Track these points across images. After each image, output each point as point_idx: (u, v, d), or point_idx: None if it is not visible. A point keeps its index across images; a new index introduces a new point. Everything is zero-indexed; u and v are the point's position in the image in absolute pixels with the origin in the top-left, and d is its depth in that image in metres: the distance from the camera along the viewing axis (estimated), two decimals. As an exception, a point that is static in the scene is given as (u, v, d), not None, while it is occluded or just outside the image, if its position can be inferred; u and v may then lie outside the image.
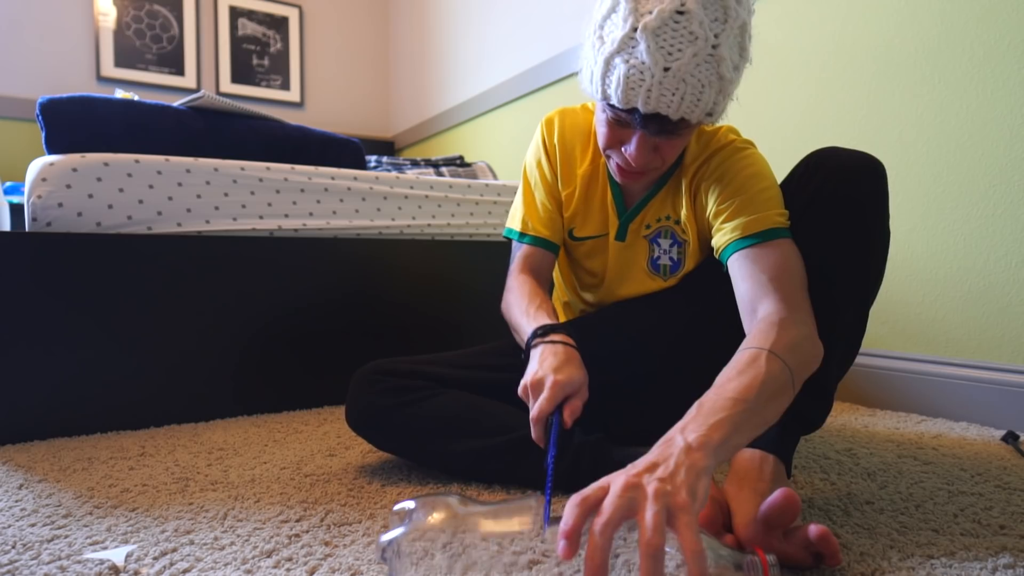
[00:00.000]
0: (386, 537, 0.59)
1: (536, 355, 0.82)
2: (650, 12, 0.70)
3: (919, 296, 1.40)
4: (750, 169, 0.85)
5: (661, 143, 0.80)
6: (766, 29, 1.67)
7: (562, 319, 1.14)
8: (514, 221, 1.04)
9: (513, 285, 0.97)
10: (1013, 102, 1.23)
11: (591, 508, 0.52)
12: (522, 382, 0.80)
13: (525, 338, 0.87)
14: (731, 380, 0.65)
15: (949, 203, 1.34)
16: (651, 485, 0.52)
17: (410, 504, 0.62)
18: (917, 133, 1.38)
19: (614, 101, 0.75)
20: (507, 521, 0.60)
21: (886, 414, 1.38)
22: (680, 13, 0.69)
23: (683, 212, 0.93)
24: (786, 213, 0.82)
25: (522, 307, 0.92)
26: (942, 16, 1.33)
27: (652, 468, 0.54)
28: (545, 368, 0.78)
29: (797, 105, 1.61)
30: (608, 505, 0.51)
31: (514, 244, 1.04)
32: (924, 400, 1.37)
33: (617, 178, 0.88)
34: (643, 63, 0.71)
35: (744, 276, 0.79)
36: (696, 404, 0.63)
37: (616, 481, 0.53)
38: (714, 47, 0.71)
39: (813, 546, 0.62)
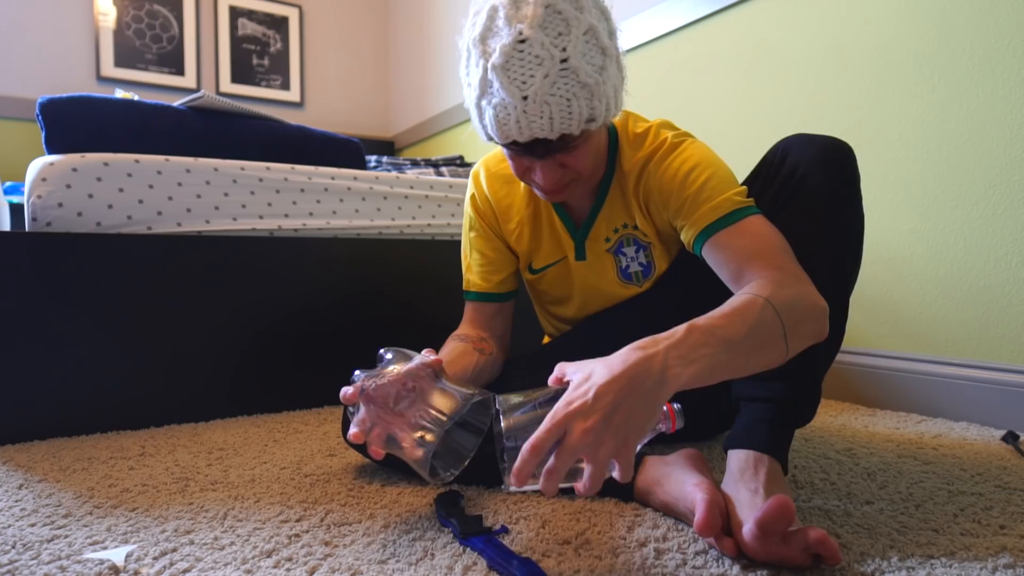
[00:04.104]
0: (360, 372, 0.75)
1: None
2: (494, 51, 0.74)
3: (919, 296, 1.40)
4: (688, 164, 0.86)
5: (563, 158, 0.81)
6: (766, 29, 1.67)
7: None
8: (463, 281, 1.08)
9: (446, 345, 1.00)
10: (1013, 102, 1.23)
11: (542, 455, 0.59)
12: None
13: None
14: (725, 316, 0.67)
15: (949, 203, 1.34)
16: (602, 448, 0.58)
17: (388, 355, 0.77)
18: (917, 133, 1.38)
19: (496, 140, 0.79)
20: (446, 400, 0.72)
21: (886, 414, 1.38)
22: (520, 42, 0.72)
23: (638, 218, 0.94)
24: (744, 190, 0.83)
25: None
26: (942, 16, 1.33)
27: (620, 388, 0.60)
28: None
29: (797, 105, 1.61)
30: (558, 459, 0.58)
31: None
32: (924, 400, 1.37)
33: (546, 199, 0.89)
34: (503, 100, 0.74)
35: (725, 259, 0.80)
36: (687, 325, 0.65)
37: (574, 427, 0.58)
38: (563, 61, 0.73)
39: (812, 548, 0.62)
